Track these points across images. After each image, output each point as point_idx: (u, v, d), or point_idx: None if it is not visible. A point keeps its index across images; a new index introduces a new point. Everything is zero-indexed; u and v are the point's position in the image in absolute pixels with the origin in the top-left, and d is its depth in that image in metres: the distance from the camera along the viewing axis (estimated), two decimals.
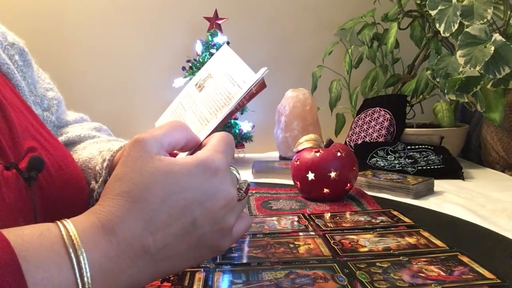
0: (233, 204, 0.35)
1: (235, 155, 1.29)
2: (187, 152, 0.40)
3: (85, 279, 0.28)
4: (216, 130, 0.41)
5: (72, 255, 0.28)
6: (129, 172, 0.32)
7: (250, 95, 0.42)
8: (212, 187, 0.33)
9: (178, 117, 0.47)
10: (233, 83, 0.43)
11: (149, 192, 0.31)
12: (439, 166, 1.01)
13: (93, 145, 0.57)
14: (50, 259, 0.27)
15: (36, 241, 0.27)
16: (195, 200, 0.32)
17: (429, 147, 1.08)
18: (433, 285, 0.43)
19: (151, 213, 0.31)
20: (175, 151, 0.40)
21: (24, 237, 0.27)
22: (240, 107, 0.43)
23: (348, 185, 0.79)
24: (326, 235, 0.59)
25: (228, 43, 1.33)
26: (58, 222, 0.30)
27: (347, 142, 1.26)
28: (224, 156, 0.35)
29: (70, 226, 0.29)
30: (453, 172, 1.01)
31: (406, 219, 0.65)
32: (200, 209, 0.33)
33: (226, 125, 1.27)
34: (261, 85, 0.42)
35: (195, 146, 0.39)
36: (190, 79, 1.31)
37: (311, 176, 0.77)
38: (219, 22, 1.37)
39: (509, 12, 0.98)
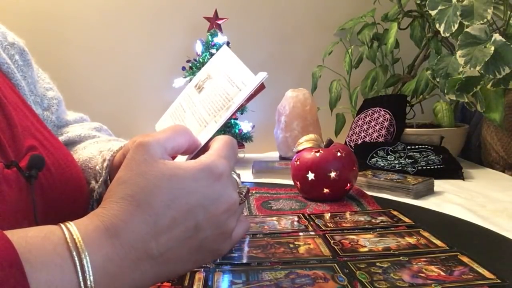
0: (235, 208, 0.35)
1: None
2: (187, 156, 0.40)
3: (88, 282, 0.28)
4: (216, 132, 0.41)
5: (76, 258, 0.28)
6: (133, 175, 0.32)
7: (249, 97, 0.42)
8: (216, 191, 0.34)
9: (178, 118, 0.47)
10: (232, 85, 0.43)
11: (154, 196, 0.31)
12: (439, 166, 1.01)
13: (93, 145, 0.57)
14: (53, 261, 0.27)
15: (40, 243, 0.27)
16: (199, 205, 0.33)
17: (429, 147, 1.08)
18: (433, 285, 0.43)
19: (155, 217, 0.31)
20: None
21: (28, 239, 0.27)
22: (239, 108, 0.43)
23: (348, 185, 0.79)
24: (326, 235, 0.59)
25: (228, 43, 1.33)
26: (62, 225, 0.30)
27: (347, 142, 1.26)
28: (227, 161, 0.35)
29: (73, 229, 0.29)
30: (453, 172, 1.01)
31: (406, 219, 0.65)
32: (203, 213, 0.33)
33: (226, 125, 1.27)
34: (259, 87, 0.42)
35: (195, 150, 0.39)
36: (190, 79, 1.31)
37: (311, 176, 0.77)
38: (219, 22, 1.37)
39: (509, 12, 0.98)
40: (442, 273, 0.46)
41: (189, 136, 0.38)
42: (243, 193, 0.38)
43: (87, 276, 0.28)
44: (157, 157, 0.33)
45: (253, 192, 0.86)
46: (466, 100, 1.00)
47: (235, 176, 0.38)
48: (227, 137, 0.39)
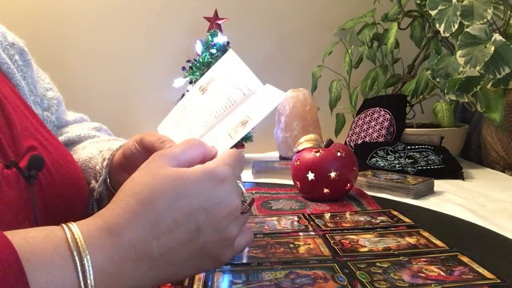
0: (236, 213, 0.35)
1: None
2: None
3: (88, 281, 0.28)
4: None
5: (76, 258, 0.28)
6: (142, 175, 0.34)
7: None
8: (218, 195, 0.34)
9: (179, 118, 0.48)
10: (235, 87, 0.43)
11: (157, 196, 0.32)
12: (439, 166, 1.01)
13: (93, 144, 0.57)
14: (53, 261, 0.27)
15: (40, 243, 0.28)
16: (201, 207, 0.33)
17: (429, 147, 1.08)
18: (433, 285, 0.43)
19: (158, 216, 0.31)
20: None
21: (29, 239, 0.27)
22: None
23: (348, 185, 0.79)
24: (326, 235, 0.59)
25: (228, 43, 1.33)
26: (63, 225, 0.30)
27: (347, 142, 1.26)
28: (231, 167, 0.36)
29: (75, 229, 0.30)
30: (453, 172, 1.01)
31: (406, 219, 0.65)
32: (204, 216, 0.33)
33: None
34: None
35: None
36: (190, 79, 1.31)
37: (311, 176, 0.77)
38: (219, 22, 1.37)
39: (509, 12, 0.98)
40: (442, 273, 0.46)
41: (203, 149, 0.39)
42: (247, 202, 0.38)
43: (88, 276, 0.28)
44: (169, 166, 0.34)
45: (253, 192, 0.86)
46: (466, 100, 1.00)
47: (240, 184, 0.38)
48: (234, 149, 0.40)
